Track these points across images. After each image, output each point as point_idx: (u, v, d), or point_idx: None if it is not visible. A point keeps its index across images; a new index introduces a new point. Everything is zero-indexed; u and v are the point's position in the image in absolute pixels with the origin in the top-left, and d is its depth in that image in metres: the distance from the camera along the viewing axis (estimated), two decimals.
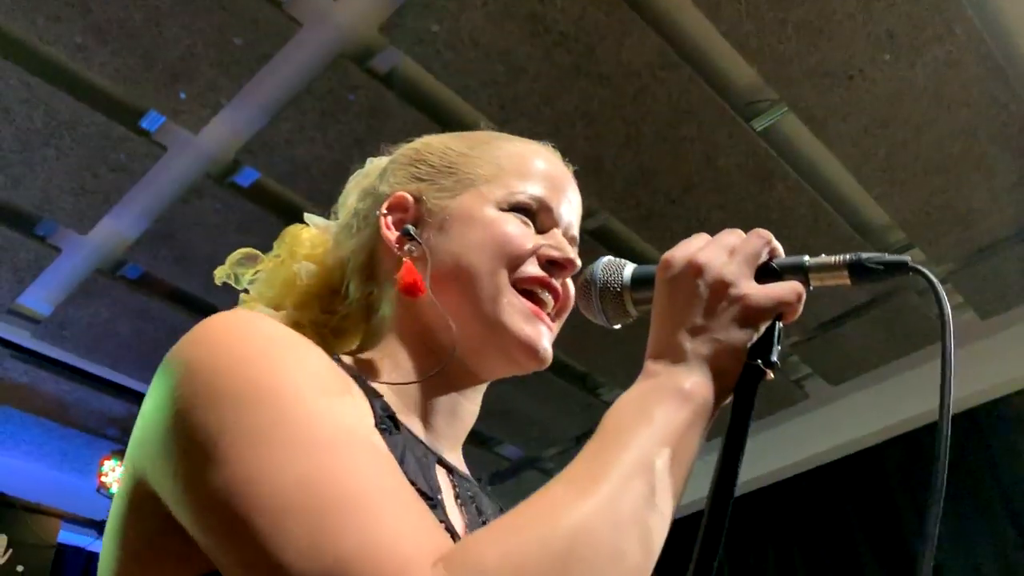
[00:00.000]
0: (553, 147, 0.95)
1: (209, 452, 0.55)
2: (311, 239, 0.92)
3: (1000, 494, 3.54)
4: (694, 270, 0.67)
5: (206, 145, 2.81)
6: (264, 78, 2.58)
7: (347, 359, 0.81)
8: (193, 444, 0.57)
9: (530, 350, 0.79)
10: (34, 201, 2.93)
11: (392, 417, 0.72)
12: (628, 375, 0.69)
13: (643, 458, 0.59)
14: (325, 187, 2.89)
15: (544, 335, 0.80)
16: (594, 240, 3.19)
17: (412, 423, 0.79)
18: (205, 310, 3.38)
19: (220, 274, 0.93)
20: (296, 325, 0.83)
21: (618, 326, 0.78)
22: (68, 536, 4.17)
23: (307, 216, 0.97)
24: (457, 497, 0.76)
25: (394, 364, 0.81)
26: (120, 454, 4.06)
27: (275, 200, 3.01)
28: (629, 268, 0.76)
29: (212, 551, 0.55)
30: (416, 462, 0.70)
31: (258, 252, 0.93)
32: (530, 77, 2.59)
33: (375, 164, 0.97)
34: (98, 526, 4.18)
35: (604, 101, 2.67)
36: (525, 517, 0.55)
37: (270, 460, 0.54)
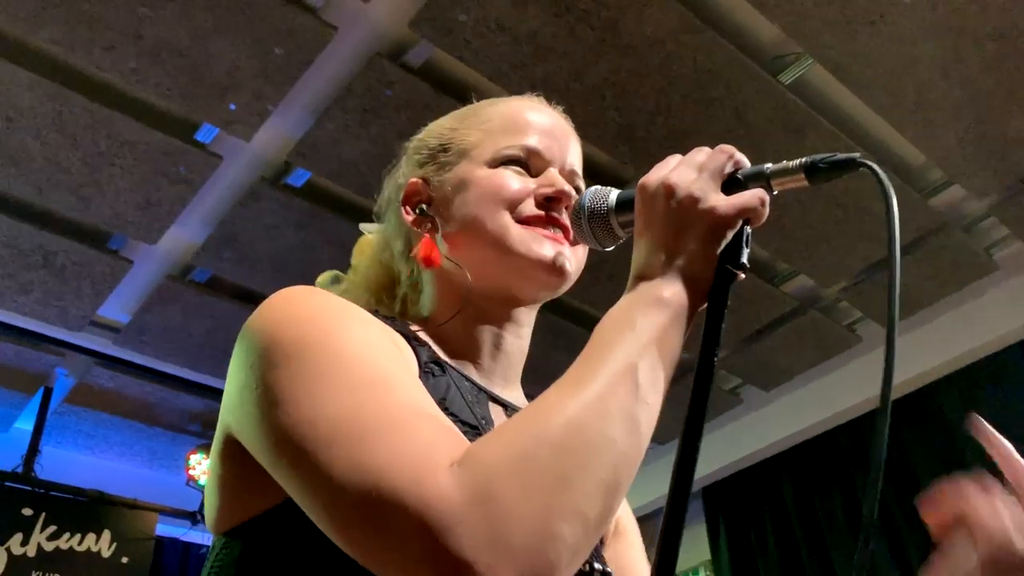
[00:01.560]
0: (539, 95, 1.02)
1: (274, 399, 0.66)
2: (370, 243, 1.05)
3: None
4: (667, 190, 0.73)
5: (259, 151, 2.97)
6: (307, 82, 2.72)
7: (413, 326, 0.91)
8: (263, 394, 0.67)
9: (544, 264, 0.87)
10: (104, 218, 3.13)
11: (437, 362, 0.82)
12: None
13: (628, 359, 0.66)
14: (373, 181, 3.01)
15: (557, 250, 0.87)
16: None
17: (465, 368, 0.88)
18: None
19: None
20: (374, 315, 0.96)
21: (611, 247, 0.85)
22: (165, 528, 4.44)
23: (361, 226, 1.08)
24: None
25: (440, 326, 0.91)
26: (204, 448, 4.30)
27: (327, 197, 3.16)
28: (614, 194, 0.83)
29: (282, 480, 0.66)
30: (462, 397, 0.80)
31: (340, 273, 1.04)
32: (557, 55, 2.68)
33: (400, 161, 1.07)
34: (191, 516, 4.44)
35: (631, 71, 2.75)
36: (524, 418, 0.63)
37: (321, 401, 0.64)
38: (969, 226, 3.54)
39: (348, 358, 0.68)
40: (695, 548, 4.68)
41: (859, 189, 3.18)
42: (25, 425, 4.15)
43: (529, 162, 0.92)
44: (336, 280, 1.04)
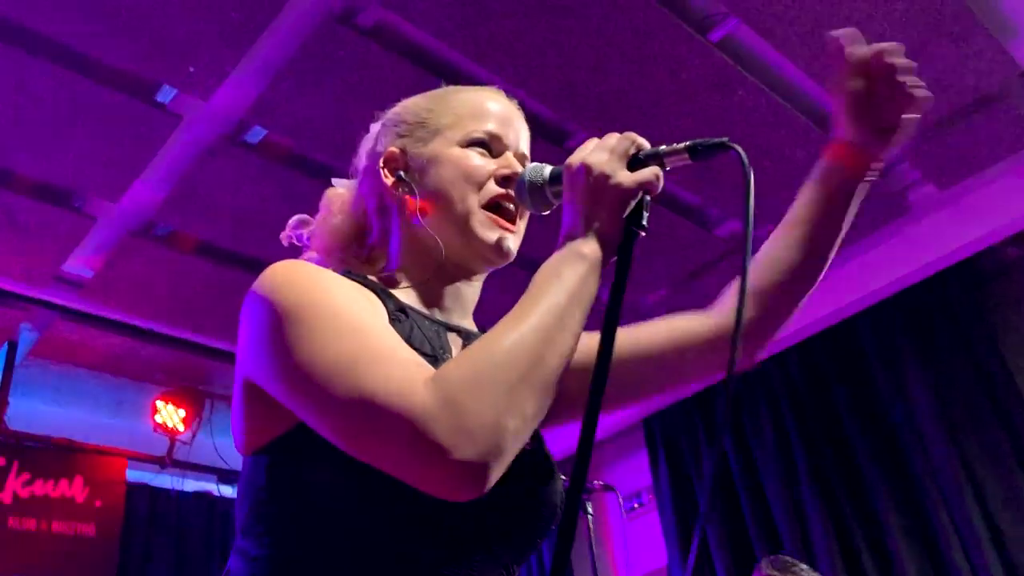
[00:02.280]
0: (499, 90, 1.20)
1: (284, 348, 0.86)
2: (339, 197, 1.22)
3: None
4: (585, 168, 0.93)
5: (217, 110, 3.09)
6: (262, 45, 2.85)
7: (373, 278, 1.09)
8: (274, 346, 0.87)
9: (493, 248, 1.07)
10: (68, 177, 3.24)
11: (401, 308, 1.02)
12: None
13: (555, 300, 0.87)
14: (326, 137, 3.19)
15: (507, 238, 1.07)
16: None
17: (425, 310, 1.08)
18: (232, 258, 3.74)
19: (284, 238, 1.22)
20: (341, 261, 1.15)
21: (546, 212, 1.06)
22: (134, 474, 4.62)
23: (334, 180, 1.26)
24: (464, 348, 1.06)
25: (405, 274, 1.11)
26: (168, 396, 4.48)
27: (282, 153, 3.30)
28: (547, 169, 1.03)
29: (296, 408, 0.87)
30: (424, 334, 1.01)
31: (308, 216, 1.22)
32: (500, 15, 2.84)
33: (373, 129, 1.24)
34: (159, 461, 4.63)
35: (571, 31, 2.93)
36: (478, 345, 0.84)
37: (319, 347, 0.84)
38: (884, 172, 3.82)
39: (335, 313, 0.88)
40: (637, 475, 5.01)
41: (781, 142, 3.44)
42: None
43: (491, 145, 1.11)
44: (304, 223, 1.22)
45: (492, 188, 1.07)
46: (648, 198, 0.94)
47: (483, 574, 0.93)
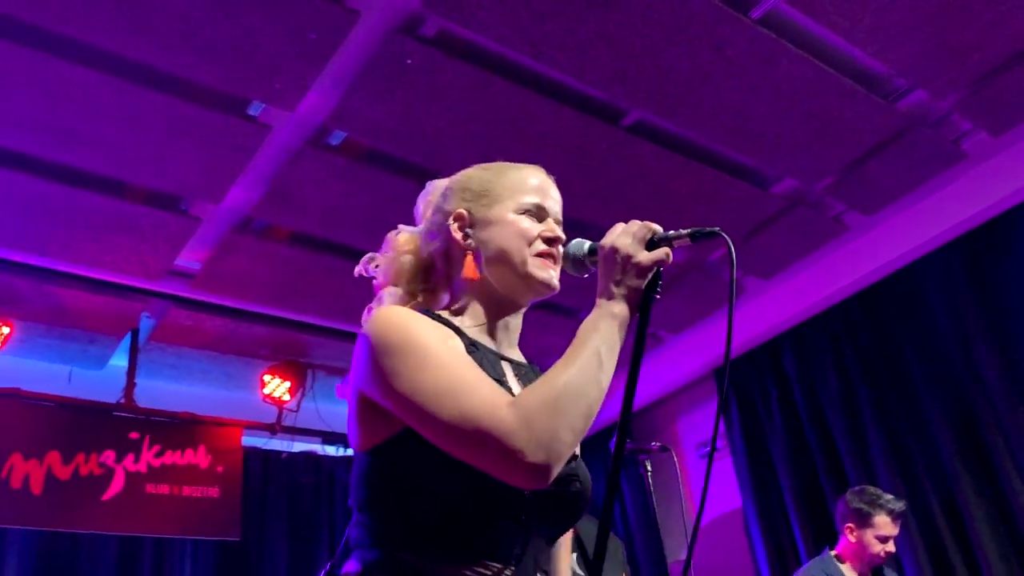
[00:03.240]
0: (540, 168, 1.46)
1: (400, 373, 1.18)
2: (405, 240, 1.48)
3: None
4: (613, 250, 1.24)
5: (301, 118, 3.42)
6: (337, 59, 3.14)
7: (444, 314, 1.36)
8: (387, 374, 1.19)
9: (545, 283, 1.36)
10: (175, 185, 3.64)
11: (472, 343, 1.31)
12: None
13: (595, 347, 1.18)
14: (399, 135, 3.49)
15: (553, 276, 1.36)
16: (632, 134, 3.71)
17: (485, 341, 1.36)
18: (322, 245, 4.11)
19: (357, 271, 1.49)
20: (408, 294, 1.44)
21: (585, 275, 1.35)
22: (249, 440, 5.12)
23: (401, 227, 1.51)
24: (516, 376, 1.36)
25: (469, 312, 1.38)
26: (274, 369, 4.93)
27: (361, 152, 3.63)
28: (586, 245, 1.32)
29: (408, 420, 1.18)
30: (489, 363, 1.29)
31: (375, 254, 1.48)
32: (551, 15, 3.06)
33: (436, 186, 1.51)
34: (269, 428, 5.11)
35: (618, 23, 3.13)
36: (543, 379, 1.15)
37: (422, 376, 1.15)
38: (936, 123, 3.93)
39: (429, 349, 1.19)
40: (711, 422, 5.27)
41: (828, 104, 3.59)
42: (119, 362, 4.77)
43: (537, 213, 1.39)
44: (372, 260, 1.48)
45: (539, 245, 1.37)
46: (661, 270, 1.24)
47: (536, 540, 1.25)
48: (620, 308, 1.22)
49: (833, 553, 3.38)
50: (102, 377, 4.80)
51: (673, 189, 4.03)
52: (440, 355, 1.18)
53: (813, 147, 3.89)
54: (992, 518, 3.95)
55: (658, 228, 1.25)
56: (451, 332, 1.30)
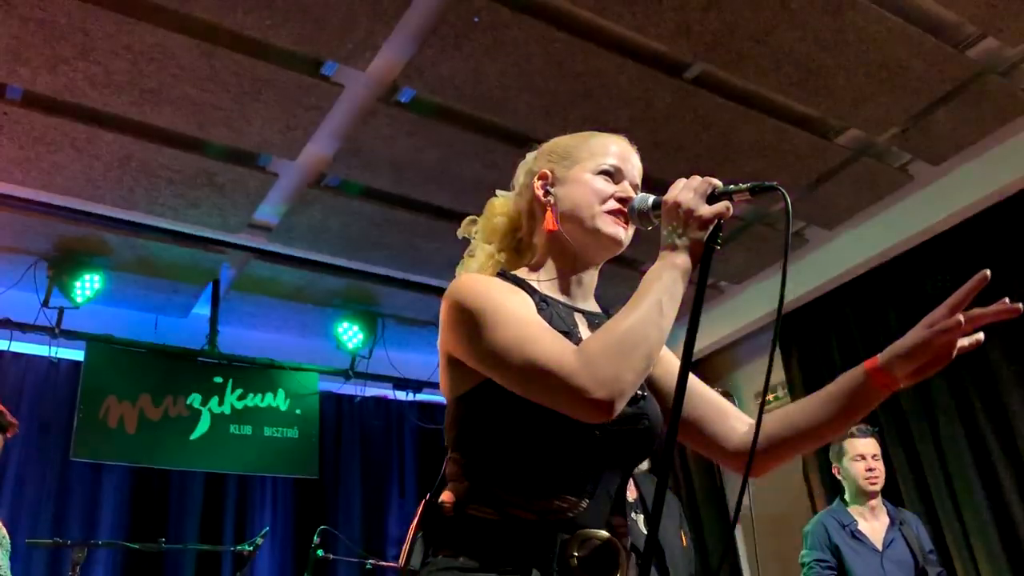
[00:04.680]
0: (624, 137, 1.55)
1: (475, 334, 1.31)
2: (500, 204, 1.61)
3: None
4: (676, 204, 1.31)
5: (373, 77, 3.54)
6: (407, 19, 3.24)
7: (522, 272, 1.48)
8: (467, 333, 1.31)
9: (615, 239, 1.44)
10: (254, 142, 3.80)
11: (544, 299, 1.42)
12: None
13: (657, 296, 1.27)
14: (467, 92, 3.59)
15: (622, 232, 1.44)
16: (695, 87, 3.75)
17: (558, 296, 1.47)
18: (393, 200, 4.25)
19: (461, 232, 1.63)
20: (499, 251, 1.57)
21: (649, 228, 1.43)
22: (324, 384, 5.37)
23: (498, 192, 1.64)
24: (589, 325, 1.47)
25: (545, 268, 1.50)
26: (348, 318, 5.14)
27: (431, 108, 3.74)
28: (651, 199, 1.40)
29: (489, 373, 1.32)
30: (559, 317, 1.41)
31: (475, 217, 1.62)
32: None
33: (530, 156, 1.62)
34: (343, 374, 5.35)
35: None
36: (607, 324, 1.26)
37: (501, 333, 1.27)
38: (1007, 71, 3.86)
39: (500, 311, 1.31)
40: (773, 371, 5.33)
41: (896, 54, 3.56)
42: (202, 311, 5.03)
43: (614, 175, 1.48)
44: (473, 222, 1.63)
45: (611, 203, 1.47)
46: (722, 222, 1.31)
47: (609, 475, 1.38)
48: (682, 259, 1.30)
49: (839, 500, 3.61)
50: (186, 325, 5.08)
51: (736, 141, 4.06)
52: (509, 314, 1.31)
53: (879, 97, 3.87)
54: None
55: (718, 183, 1.31)
56: (523, 292, 1.42)
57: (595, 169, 1.48)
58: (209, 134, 3.74)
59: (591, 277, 1.55)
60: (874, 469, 3.49)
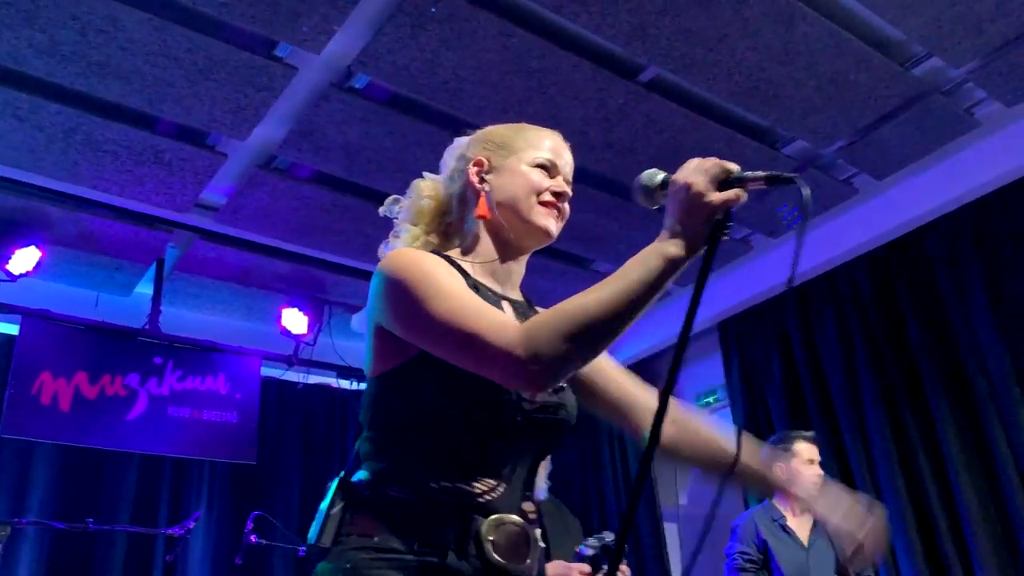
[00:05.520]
0: (557, 133, 1.58)
1: (414, 305, 1.29)
2: (427, 186, 1.60)
3: None
4: (686, 185, 1.19)
5: (327, 61, 3.51)
6: (364, 4, 3.23)
7: (452, 253, 1.50)
8: (406, 303, 1.30)
9: (546, 232, 1.48)
10: (203, 121, 3.75)
11: (475, 284, 1.42)
12: None
13: (629, 283, 1.18)
14: (422, 81, 3.58)
15: (553, 224, 1.48)
16: (648, 90, 3.79)
17: (487, 282, 1.48)
18: (343, 186, 4.23)
19: (382, 211, 1.62)
20: (426, 233, 1.56)
21: (656, 207, 1.30)
22: (267, 370, 5.32)
23: (425, 174, 1.63)
24: (515, 313, 1.47)
25: (475, 253, 1.50)
26: (293, 304, 5.10)
27: (384, 96, 3.73)
28: (660, 176, 1.28)
29: (423, 345, 1.31)
30: (489, 301, 1.37)
31: (400, 197, 1.61)
32: None
33: (460, 141, 1.63)
34: (286, 360, 5.30)
35: None
36: (562, 303, 1.20)
37: (436, 305, 1.27)
38: (950, 91, 3.98)
39: (440, 282, 1.32)
40: (712, 373, 5.43)
41: (844, 68, 3.65)
42: (144, 290, 4.95)
43: (548, 169, 1.51)
44: (396, 201, 1.61)
45: (546, 196, 1.49)
46: (734, 209, 1.20)
47: (524, 461, 1.40)
48: (677, 248, 1.20)
49: (772, 500, 3.66)
50: (128, 304, 4.99)
51: (686, 146, 4.11)
52: (449, 286, 1.31)
53: (826, 110, 3.96)
54: (981, 487, 4.04)
55: (734, 167, 1.20)
56: (455, 269, 1.42)
57: (532, 161, 1.50)
58: (158, 110, 3.68)
59: (520, 266, 1.57)
60: (820, 474, 3.57)
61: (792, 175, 1.19)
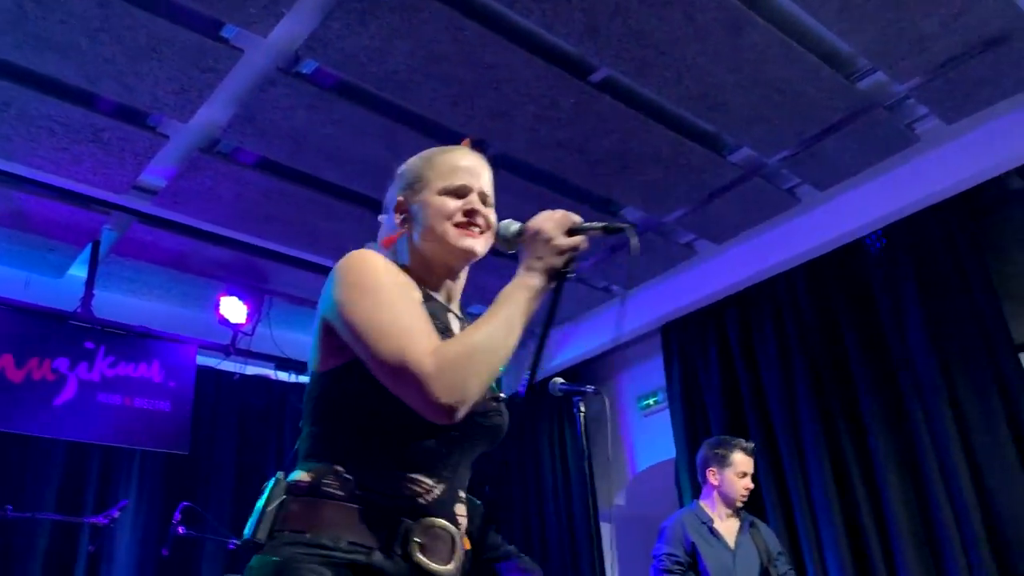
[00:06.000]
0: (472, 152, 1.65)
1: (352, 307, 1.35)
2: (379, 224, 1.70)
3: None
4: (537, 231, 1.44)
5: (274, 44, 3.45)
6: None
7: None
8: (347, 306, 1.36)
9: (469, 252, 1.54)
10: (145, 101, 3.65)
11: (427, 296, 1.51)
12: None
13: (507, 314, 1.38)
14: (370, 69, 3.54)
15: (471, 241, 1.53)
16: (600, 91, 3.80)
17: (437, 295, 1.57)
18: (287, 173, 4.16)
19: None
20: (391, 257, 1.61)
21: (511, 251, 1.52)
22: (203, 359, 5.20)
23: (380, 217, 1.71)
24: (461, 325, 1.56)
25: (418, 273, 1.55)
26: (232, 291, 5.00)
27: (331, 82, 3.67)
28: (515, 226, 1.51)
29: (356, 349, 1.35)
30: (438, 313, 1.49)
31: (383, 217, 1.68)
32: None
33: (397, 174, 1.69)
34: (224, 349, 5.19)
35: None
36: (462, 334, 1.36)
37: (375, 311, 1.34)
38: (893, 105, 4.06)
39: (389, 294, 1.38)
40: (654, 376, 5.47)
41: (791, 78, 3.70)
42: (78, 272, 4.80)
43: (461, 191, 1.57)
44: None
45: (459, 217, 1.55)
46: (576, 254, 1.44)
47: (462, 463, 1.47)
48: (536, 281, 1.42)
49: (701, 502, 3.71)
50: (60, 286, 4.84)
51: (634, 148, 4.14)
52: (396, 300, 1.37)
53: (773, 119, 4.02)
54: (910, 500, 4.13)
55: (577, 219, 1.44)
56: (412, 281, 1.50)
57: (440, 190, 1.57)
58: (98, 87, 3.57)
59: (458, 284, 1.63)
60: (750, 488, 3.65)
61: (623, 225, 1.46)
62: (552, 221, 1.43)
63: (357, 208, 4.27)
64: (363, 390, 1.36)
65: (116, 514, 3.54)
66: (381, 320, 1.32)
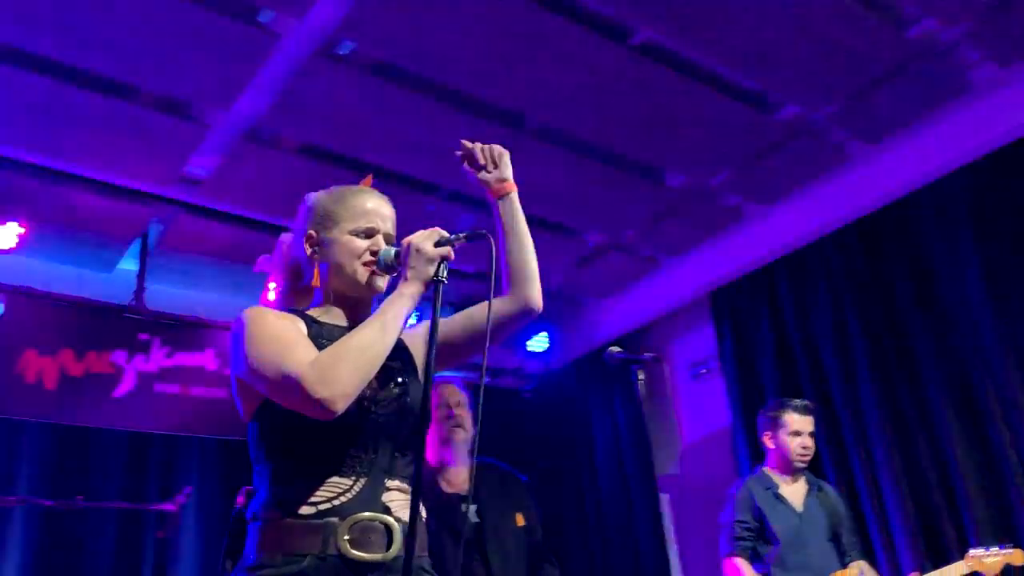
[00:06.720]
0: (375, 193, 1.84)
1: (244, 355, 1.58)
2: (287, 245, 1.89)
3: None
4: (412, 245, 1.65)
5: (310, 28, 3.43)
6: None
7: (313, 312, 1.77)
8: (240, 354, 1.59)
9: (375, 288, 1.75)
10: (188, 90, 3.67)
11: (316, 322, 1.72)
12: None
13: (383, 318, 1.60)
14: (408, 47, 3.51)
15: (377, 279, 1.75)
16: (639, 54, 3.72)
17: (341, 322, 1.76)
18: (327, 155, 4.15)
19: (256, 269, 2.00)
20: (288, 291, 1.86)
21: (395, 274, 1.73)
22: None
23: (286, 234, 1.90)
24: None
25: (325, 306, 1.79)
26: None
27: (369, 63, 3.65)
28: (392, 251, 1.72)
29: (256, 385, 1.57)
30: (331, 333, 1.69)
31: (268, 257, 1.91)
32: None
33: (306, 201, 1.86)
34: None
35: None
36: (340, 340, 1.58)
37: (259, 350, 1.56)
38: (943, 52, 3.92)
39: (268, 332, 1.60)
40: (705, 344, 5.41)
41: (836, 30, 3.59)
42: (128, 266, 4.87)
43: (368, 232, 1.76)
44: (267, 261, 1.95)
45: (367, 256, 1.75)
46: (446, 263, 1.65)
47: (381, 453, 1.64)
48: (413, 288, 1.64)
49: (765, 468, 3.67)
50: (112, 280, 4.90)
51: (677, 111, 4.06)
52: (274, 335, 1.58)
53: (820, 74, 3.92)
54: (975, 458, 4.03)
55: (445, 233, 1.67)
56: (295, 318, 1.71)
57: (352, 230, 1.75)
58: (139, 80, 3.59)
59: (366, 311, 1.79)
60: (808, 447, 3.59)
61: (483, 232, 1.66)
62: (421, 236, 1.65)
63: (403, 190, 4.25)
64: (275, 423, 1.59)
65: (184, 500, 3.59)
66: (265, 351, 1.54)
